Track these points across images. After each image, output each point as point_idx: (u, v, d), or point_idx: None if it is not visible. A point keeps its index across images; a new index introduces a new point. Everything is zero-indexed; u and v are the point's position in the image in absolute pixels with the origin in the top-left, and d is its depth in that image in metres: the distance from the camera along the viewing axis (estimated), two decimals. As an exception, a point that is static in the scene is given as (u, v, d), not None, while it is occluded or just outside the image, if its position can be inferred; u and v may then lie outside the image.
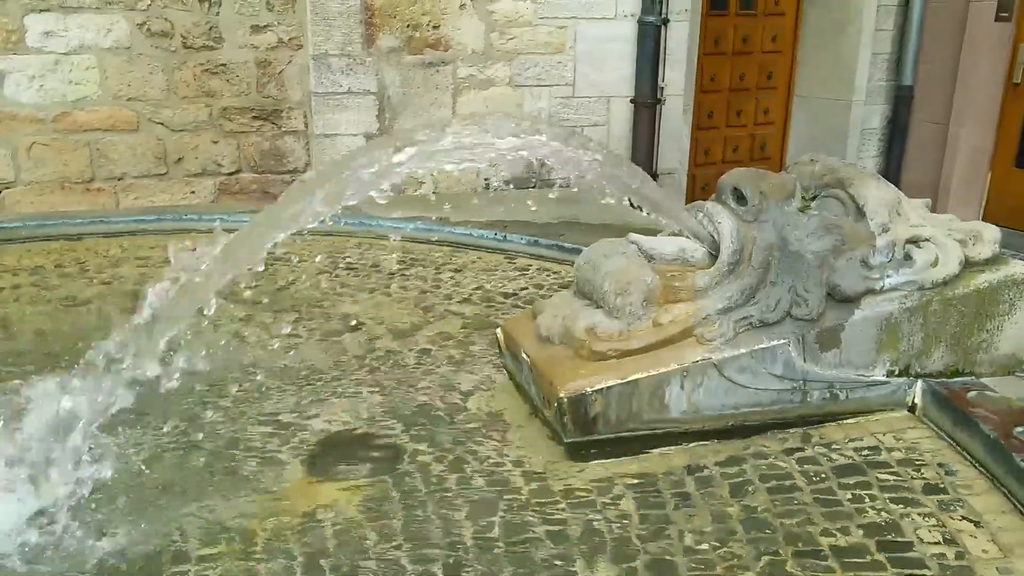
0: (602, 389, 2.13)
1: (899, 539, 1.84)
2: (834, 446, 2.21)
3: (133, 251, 3.86)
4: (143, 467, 2.09)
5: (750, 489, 2.03)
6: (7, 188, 4.88)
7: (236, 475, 2.09)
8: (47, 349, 2.81)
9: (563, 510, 1.96)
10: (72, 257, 3.77)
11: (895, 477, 2.07)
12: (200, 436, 2.25)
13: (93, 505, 1.92)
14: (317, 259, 3.72)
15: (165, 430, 2.26)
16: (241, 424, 2.33)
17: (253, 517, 1.92)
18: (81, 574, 1.72)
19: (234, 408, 2.39)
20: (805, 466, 2.13)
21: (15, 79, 4.76)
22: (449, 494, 2.02)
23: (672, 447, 2.20)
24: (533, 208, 4.37)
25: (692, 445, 2.21)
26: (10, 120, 4.81)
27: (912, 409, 2.34)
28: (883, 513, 1.93)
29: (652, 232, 2.47)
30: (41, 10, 4.72)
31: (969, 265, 2.34)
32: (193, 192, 5.30)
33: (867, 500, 1.98)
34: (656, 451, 2.19)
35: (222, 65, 5.15)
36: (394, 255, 3.80)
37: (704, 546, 1.83)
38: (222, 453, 2.18)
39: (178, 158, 5.19)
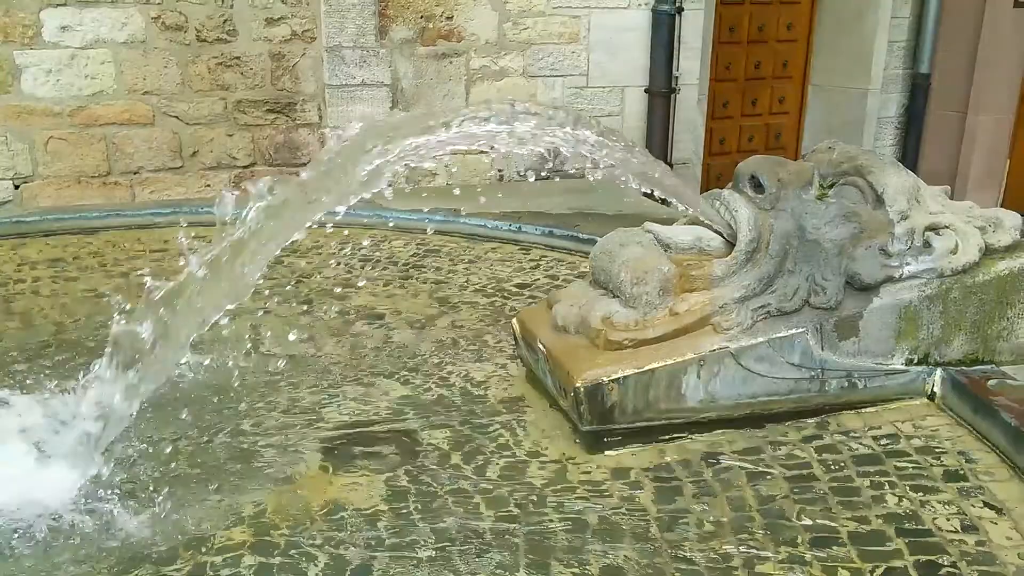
0: (619, 378, 2.13)
1: (919, 526, 1.83)
2: (852, 434, 2.20)
3: (150, 244, 3.89)
4: (163, 456, 2.10)
5: (768, 477, 2.03)
6: (25, 182, 4.91)
7: (254, 465, 2.10)
8: (66, 340, 2.84)
9: (580, 499, 1.96)
10: (89, 250, 3.80)
11: (914, 465, 2.06)
12: (218, 426, 2.26)
13: (115, 491, 1.94)
14: (332, 251, 3.73)
15: (184, 419, 2.27)
16: (259, 414, 2.34)
17: (271, 506, 1.93)
18: (103, 558, 1.74)
19: (252, 399, 2.40)
20: (823, 454, 2.12)
21: (32, 73, 4.79)
22: (466, 483, 2.02)
23: (689, 436, 2.20)
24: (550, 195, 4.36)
25: (709, 434, 2.20)
26: (27, 114, 4.84)
27: (931, 397, 2.33)
28: (903, 501, 1.92)
29: (668, 221, 2.46)
30: (57, 5, 4.74)
31: (989, 252, 2.32)
32: (208, 185, 5.31)
33: (886, 488, 1.97)
34: (673, 440, 2.19)
35: (236, 58, 5.15)
36: (410, 245, 3.80)
37: (722, 534, 1.82)
38: (240, 443, 2.19)
39: (193, 151, 5.20)
